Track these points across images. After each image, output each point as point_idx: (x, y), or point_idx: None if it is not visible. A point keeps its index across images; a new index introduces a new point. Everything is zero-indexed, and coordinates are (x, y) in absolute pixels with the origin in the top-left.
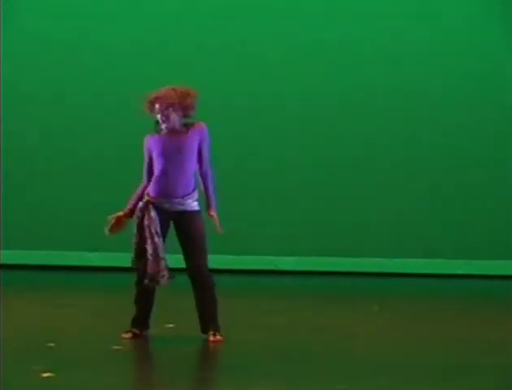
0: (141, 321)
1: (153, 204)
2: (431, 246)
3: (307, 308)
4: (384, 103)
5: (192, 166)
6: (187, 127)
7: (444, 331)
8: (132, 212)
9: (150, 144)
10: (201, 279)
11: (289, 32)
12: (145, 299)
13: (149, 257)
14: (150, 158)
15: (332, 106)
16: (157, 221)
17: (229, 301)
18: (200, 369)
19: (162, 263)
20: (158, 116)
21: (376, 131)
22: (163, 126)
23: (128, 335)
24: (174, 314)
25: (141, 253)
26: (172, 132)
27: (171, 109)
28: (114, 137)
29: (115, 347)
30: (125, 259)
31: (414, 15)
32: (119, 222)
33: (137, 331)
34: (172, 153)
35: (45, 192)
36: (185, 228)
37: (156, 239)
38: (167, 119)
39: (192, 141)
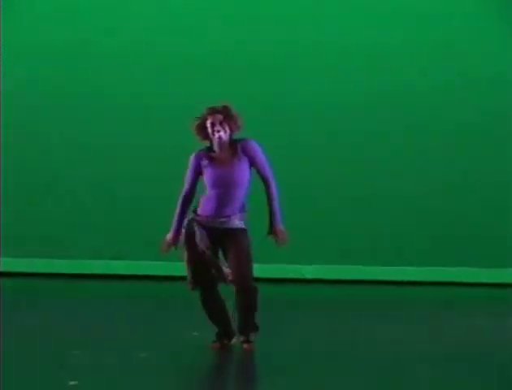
0: (224, 332)
1: (197, 222)
2: (464, 254)
3: (343, 317)
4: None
5: (243, 191)
6: (233, 146)
7: None
8: (178, 233)
9: (200, 165)
10: (242, 285)
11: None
12: (215, 313)
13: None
14: (196, 174)
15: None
16: (205, 237)
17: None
18: (229, 377)
19: (224, 272)
20: (214, 129)
21: (404, 142)
22: (217, 136)
23: (217, 345)
24: (198, 321)
25: (198, 270)
26: (223, 155)
27: (229, 121)
28: (134, 148)
29: (142, 354)
30: (147, 267)
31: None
32: (169, 245)
33: (225, 341)
34: (224, 183)
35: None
36: (229, 244)
37: (208, 253)
38: (223, 129)
39: (242, 169)
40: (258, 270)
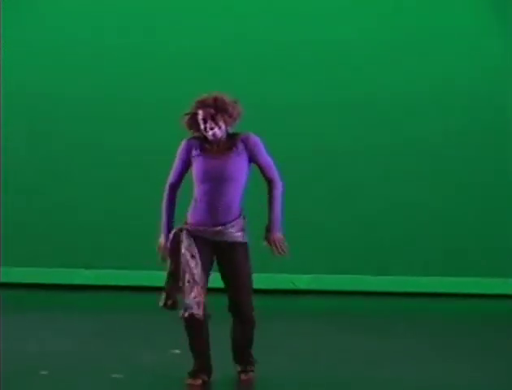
0: (204, 368)
1: (190, 232)
2: (462, 263)
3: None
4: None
5: (238, 191)
6: (232, 140)
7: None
8: (170, 232)
9: (191, 153)
10: (242, 315)
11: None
12: (197, 341)
13: (186, 283)
14: (186, 164)
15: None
16: (193, 246)
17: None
18: None
19: (198, 290)
20: (206, 126)
21: (403, 148)
22: (210, 133)
23: (198, 381)
24: (180, 339)
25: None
26: (217, 148)
27: (222, 115)
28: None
29: (115, 375)
30: (121, 277)
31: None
32: (164, 248)
33: (206, 378)
34: (216, 177)
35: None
36: (226, 262)
37: (192, 263)
38: (216, 125)
39: (239, 163)
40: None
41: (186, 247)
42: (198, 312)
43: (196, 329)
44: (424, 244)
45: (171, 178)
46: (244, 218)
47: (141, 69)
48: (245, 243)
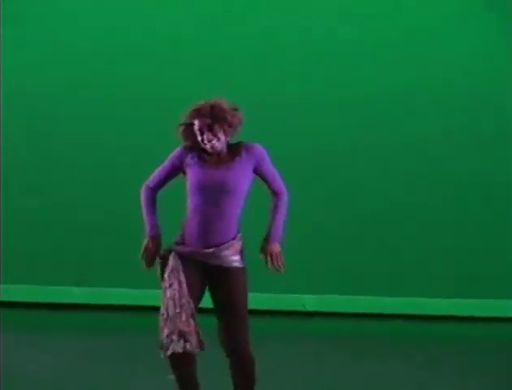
0: None
1: (176, 252)
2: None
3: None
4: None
5: (237, 206)
6: (234, 149)
7: None
8: (155, 233)
9: (184, 161)
10: (239, 357)
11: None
12: (187, 382)
13: (160, 316)
14: (173, 169)
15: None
16: (180, 270)
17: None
18: None
19: (178, 322)
20: (204, 137)
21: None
22: (209, 146)
23: None
24: None
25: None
26: (218, 158)
27: (221, 125)
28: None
29: None
30: (113, 295)
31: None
32: (150, 252)
33: None
34: (213, 188)
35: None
36: (220, 291)
37: (168, 293)
38: (215, 137)
39: (242, 173)
40: (251, 300)
41: (170, 271)
42: (177, 348)
43: (184, 366)
44: (439, 263)
45: (150, 180)
46: (241, 239)
47: (142, 68)
48: (243, 268)
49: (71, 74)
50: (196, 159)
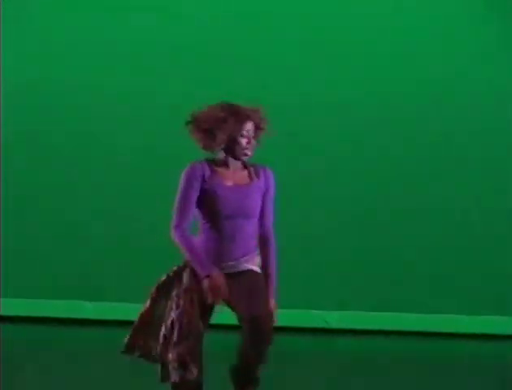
0: None
1: (193, 270)
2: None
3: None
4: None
5: (256, 226)
6: (251, 170)
7: None
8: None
9: (203, 178)
10: (258, 325)
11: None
12: None
13: (160, 338)
14: (197, 194)
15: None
16: (193, 288)
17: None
18: None
19: (184, 348)
20: (249, 144)
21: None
22: (243, 155)
23: None
24: None
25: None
26: (233, 174)
27: (261, 133)
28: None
29: None
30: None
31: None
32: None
33: None
34: (236, 212)
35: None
36: (238, 286)
37: (187, 307)
38: (250, 147)
39: (259, 198)
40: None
41: (183, 290)
42: (175, 377)
43: None
44: (467, 277)
45: (177, 219)
46: (258, 253)
47: (144, 66)
48: (259, 272)
49: (72, 74)
50: (213, 176)
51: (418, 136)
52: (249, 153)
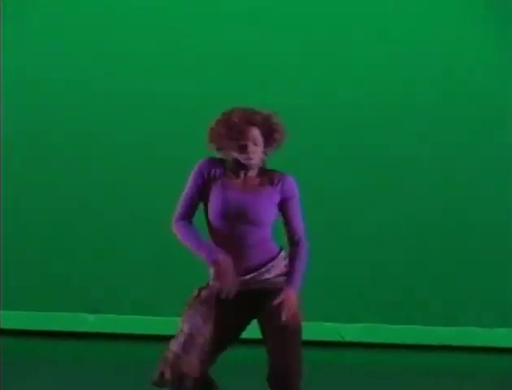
0: None
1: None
2: None
3: None
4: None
5: (264, 234)
6: (265, 175)
7: None
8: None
9: (209, 176)
10: (284, 384)
11: None
12: None
13: (174, 350)
14: (204, 187)
15: None
16: (211, 301)
17: None
18: None
19: (185, 364)
20: (247, 151)
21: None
22: (246, 162)
23: None
24: None
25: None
26: (243, 181)
27: (269, 143)
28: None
29: None
30: (131, 323)
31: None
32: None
33: None
34: (235, 219)
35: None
36: (266, 315)
37: (197, 321)
38: (257, 153)
39: (267, 208)
40: None
41: (199, 302)
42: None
43: None
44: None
45: (178, 212)
46: (285, 256)
47: (145, 66)
48: None
49: (72, 74)
50: (220, 176)
51: (417, 136)
52: (253, 160)
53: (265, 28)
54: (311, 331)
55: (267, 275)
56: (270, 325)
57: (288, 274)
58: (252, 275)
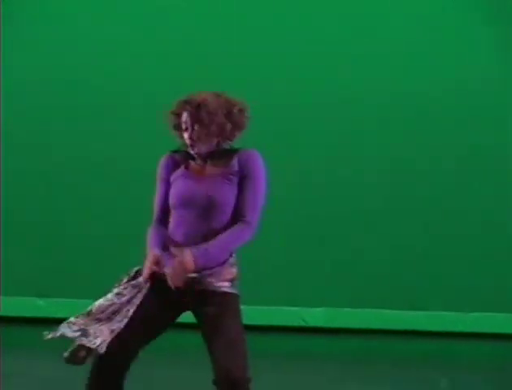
0: None
1: (156, 280)
2: None
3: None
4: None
5: (224, 224)
6: (225, 158)
7: None
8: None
9: (174, 170)
10: (231, 385)
11: None
12: None
13: (90, 309)
14: (167, 184)
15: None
16: (143, 288)
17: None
18: None
19: (93, 325)
20: (186, 136)
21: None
22: (191, 150)
23: None
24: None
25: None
26: (202, 166)
27: (206, 127)
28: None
29: None
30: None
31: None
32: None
33: None
34: (197, 203)
35: None
36: (205, 315)
37: (122, 300)
38: (197, 140)
39: (227, 193)
40: (247, 314)
41: (132, 285)
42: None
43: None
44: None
45: (154, 215)
46: (234, 265)
47: (144, 70)
48: (236, 295)
49: (72, 75)
50: (183, 169)
51: (417, 136)
52: (191, 142)
53: (265, 28)
54: (270, 315)
55: (210, 279)
56: (211, 328)
57: (204, 244)
58: (195, 275)
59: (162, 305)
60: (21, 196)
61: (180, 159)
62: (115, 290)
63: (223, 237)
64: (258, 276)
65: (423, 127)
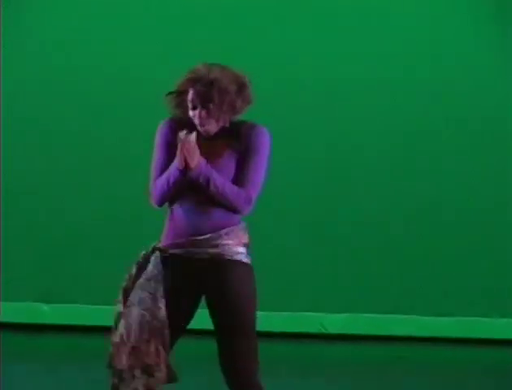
0: None
1: (164, 255)
2: None
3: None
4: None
5: None
6: (233, 131)
7: None
8: None
9: (174, 136)
10: (241, 383)
11: None
12: None
13: (122, 334)
14: (173, 149)
15: None
16: (159, 278)
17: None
18: None
19: (145, 354)
20: (192, 114)
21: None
22: (202, 129)
23: None
24: None
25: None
26: (208, 142)
27: (220, 106)
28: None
29: None
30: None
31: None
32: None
33: None
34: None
35: None
36: (220, 296)
37: (147, 304)
38: (208, 119)
39: (233, 169)
40: (262, 320)
41: (145, 279)
42: (138, 385)
43: None
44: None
45: (153, 179)
46: (245, 229)
47: (146, 67)
48: (250, 266)
49: (72, 75)
50: (177, 123)
51: (417, 136)
52: (202, 129)
53: (265, 28)
54: (288, 322)
55: (226, 239)
56: (219, 306)
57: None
58: (209, 235)
59: (189, 295)
60: (21, 196)
61: (180, 125)
62: (132, 298)
63: (225, 189)
64: (276, 281)
65: (423, 128)
